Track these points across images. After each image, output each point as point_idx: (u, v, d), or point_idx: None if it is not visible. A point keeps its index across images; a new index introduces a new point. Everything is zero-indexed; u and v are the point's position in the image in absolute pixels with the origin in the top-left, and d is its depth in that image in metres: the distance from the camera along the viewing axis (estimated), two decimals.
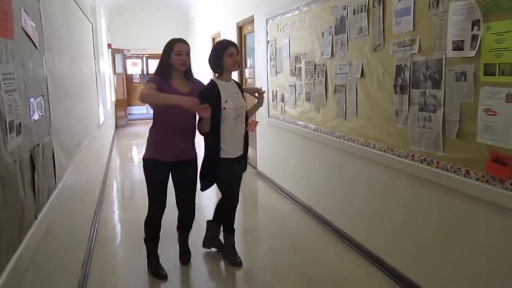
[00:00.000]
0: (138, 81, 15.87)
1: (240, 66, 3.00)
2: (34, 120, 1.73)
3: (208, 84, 2.99)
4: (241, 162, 3.12)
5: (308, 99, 3.98)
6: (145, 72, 15.94)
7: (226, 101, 2.92)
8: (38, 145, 1.75)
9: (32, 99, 1.70)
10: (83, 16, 4.10)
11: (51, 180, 1.99)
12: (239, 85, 3.19)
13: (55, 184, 2.09)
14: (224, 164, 2.97)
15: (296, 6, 4.09)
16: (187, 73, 2.90)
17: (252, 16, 5.64)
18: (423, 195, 2.54)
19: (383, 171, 2.91)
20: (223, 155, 2.96)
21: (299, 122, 4.25)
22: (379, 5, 2.79)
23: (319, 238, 3.61)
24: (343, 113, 3.36)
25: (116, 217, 4.42)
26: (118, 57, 11.35)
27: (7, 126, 1.33)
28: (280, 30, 4.59)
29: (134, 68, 15.87)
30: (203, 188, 3.06)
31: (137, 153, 8.23)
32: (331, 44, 3.47)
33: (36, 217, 1.66)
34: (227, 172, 3.01)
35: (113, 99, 10.19)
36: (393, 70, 2.68)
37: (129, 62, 15.32)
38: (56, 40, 2.45)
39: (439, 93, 2.31)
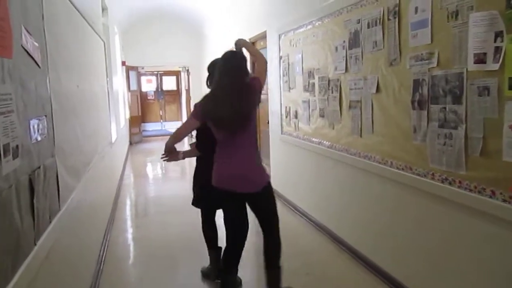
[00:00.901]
0: (153, 98, 15.98)
1: None
2: (35, 141, 1.67)
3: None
4: None
5: (322, 115, 3.88)
6: (159, 89, 16.05)
7: None
8: (39, 167, 1.69)
9: (33, 120, 1.64)
10: (95, 35, 4.09)
11: (54, 202, 1.92)
12: None
13: (59, 206, 2.01)
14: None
15: (309, 21, 4.03)
16: None
17: (265, 32, 5.60)
18: (443, 215, 2.40)
19: (400, 190, 2.78)
20: None
21: (313, 139, 4.14)
22: (394, 18, 2.70)
23: (332, 257, 3.47)
24: (358, 129, 3.24)
25: (128, 236, 4.34)
26: (132, 74, 11.44)
27: (2, 150, 1.26)
28: (293, 45, 4.53)
29: (149, 85, 15.99)
30: None
31: (152, 169, 8.21)
32: (345, 58, 3.37)
33: (35, 244, 1.58)
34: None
35: (127, 116, 10.23)
36: (410, 84, 2.56)
37: (143, 79, 15.45)
38: (63, 58, 2.41)
39: (460, 109, 2.18)
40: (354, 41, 3.22)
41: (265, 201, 2.71)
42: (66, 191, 2.22)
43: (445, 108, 2.30)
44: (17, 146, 1.40)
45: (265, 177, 2.69)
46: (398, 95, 2.70)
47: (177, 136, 2.67)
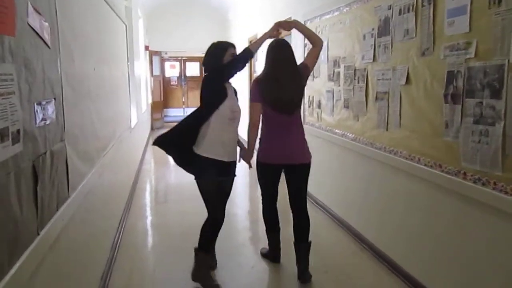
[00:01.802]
0: (176, 83, 15.96)
1: None
2: (42, 125, 1.58)
3: None
4: (229, 170, 2.89)
5: (346, 106, 3.71)
6: (182, 75, 16.00)
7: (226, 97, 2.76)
8: (45, 153, 1.60)
9: (38, 103, 1.55)
10: (115, 17, 4.01)
11: (62, 190, 1.85)
12: (236, 93, 2.98)
13: (67, 193, 1.94)
14: (207, 164, 2.75)
15: (336, 7, 3.84)
16: None
17: (290, 18, 5.40)
18: (473, 218, 2.24)
19: (428, 189, 2.61)
20: (200, 152, 2.75)
21: (336, 130, 3.98)
22: (429, 4, 2.51)
23: (353, 256, 3.33)
24: (384, 122, 3.07)
25: (146, 222, 4.29)
26: (156, 59, 11.39)
27: None
28: (319, 32, 4.34)
29: (172, 71, 15.95)
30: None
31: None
32: (373, 47, 3.19)
33: (38, 233, 1.51)
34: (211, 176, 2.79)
35: (149, 101, 10.20)
36: (444, 76, 2.38)
37: (167, 64, 15.41)
38: (78, 40, 2.32)
39: (499, 104, 2.00)
40: (383, 28, 3.04)
41: (303, 177, 2.96)
42: (77, 177, 2.15)
43: (481, 102, 2.12)
44: (17, 130, 1.31)
45: (310, 155, 2.98)
46: (430, 87, 2.52)
47: (255, 124, 2.89)
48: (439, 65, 2.43)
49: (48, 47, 1.69)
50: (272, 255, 3.21)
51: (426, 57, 2.55)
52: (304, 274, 2.91)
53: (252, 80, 2.82)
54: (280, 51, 2.93)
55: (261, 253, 3.35)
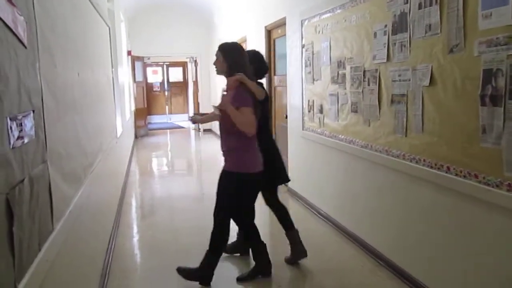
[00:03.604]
0: (159, 89, 15.53)
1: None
2: (18, 146, 1.24)
3: None
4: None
5: (355, 111, 3.43)
6: (165, 81, 15.59)
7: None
8: (22, 180, 1.26)
9: (13, 118, 1.20)
10: (99, 18, 3.65)
11: (45, 223, 1.50)
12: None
13: (52, 226, 1.59)
14: None
15: (340, 4, 3.56)
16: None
17: (284, 18, 5.13)
18: None
19: (461, 201, 2.33)
20: None
21: (342, 137, 3.69)
22: None
23: (371, 274, 3.03)
24: (402, 127, 2.79)
25: (136, 242, 3.90)
26: (138, 65, 10.97)
27: None
28: (319, 32, 4.06)
29: (155, 77, 15.53)
30: None
31: (158, 165, 7.79)
32: (386, 45, 2.91)
33: (15, 287, 1.16)
34: None
35: (133, 108, 9.79)
36: (479, 75, 2.11)
37: (149, 70, 14.98)
38: (60, 40, 1.97)
39: None
40: (399, 25, 2.76)
41: None
42: (63, 204, 1.79)
43: None
44: None
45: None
46: (461, 88, 2.25)
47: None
48: (472, 63, 2.16)
49: (24, 46, 1.35)
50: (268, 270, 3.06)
51: (455, 54, 2.28)
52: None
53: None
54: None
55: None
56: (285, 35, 5.15)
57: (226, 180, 2.87)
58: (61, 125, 1.89)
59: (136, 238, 4.01)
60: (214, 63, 2.86)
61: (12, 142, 1.18)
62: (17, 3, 1.32)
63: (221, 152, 2.88)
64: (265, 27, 5.97)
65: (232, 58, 2.79)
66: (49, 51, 1.71)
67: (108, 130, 3.88)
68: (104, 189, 3.50)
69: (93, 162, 2.76)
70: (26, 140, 1.32)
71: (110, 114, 4.10)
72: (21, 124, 1.26)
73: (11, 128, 1.18)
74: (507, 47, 1.95)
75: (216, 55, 2.84)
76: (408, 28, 2.67)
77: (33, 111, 1.41)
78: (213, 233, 2.89)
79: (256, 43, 6.37)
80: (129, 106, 8.21)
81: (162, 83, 15.62)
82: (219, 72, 2.87)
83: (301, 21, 4.47)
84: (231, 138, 2.81)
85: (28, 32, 1.40)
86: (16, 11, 1.27)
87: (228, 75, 2.81)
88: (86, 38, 2.86)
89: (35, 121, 1.42)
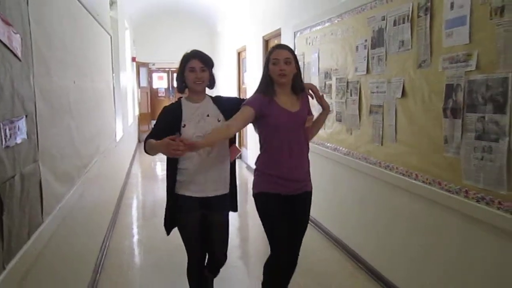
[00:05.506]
0: (164, 95, 15.77)
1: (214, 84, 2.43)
2: (10, 146, 1.43)
3: (175, 102, 2.41)
4: (218, 206, 2.41)
5: (339, 120, 3.60)
6: (170, 86, 15.83)
7: (184, 126, 2.27)
8: (13, 177, 1.44)
9: (4, 121, 1.39)
10: (99, 28, 3.86)
11: (35, 215, 1.68)
12: (223, 103, 2.43)
13: (41, 219, 1.77)
14: (184, 203, 2.36)
15: (328, 18, 3.75)
16: (295, 86, 2.41)
17: (279, 30, 5.33)
18: (477, 239, 2.12)
19: (428, 207, 2.49)
20: (181, 191, 2.35)
21: (328, 144, 3.86)
22: (426, 14, 2.41)
23: (350, 278, 3.18)
24: (379, 137, 2.96)
25: (132, 241, 4.09)
26: (143, 71, 11.23)
27: None
28: (309, 43, 4.25)
29: (160, 82, 15.77)
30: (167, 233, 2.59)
31: (160, 169, 7.97)
32: (366, 59, 3.09)
33: (4, 267, 1.34)
34: (187, 216, 2.39)
35: (137, 113, 10.02)
36: (443, 89, 2.28)
37: (155, 76, 15.24)
38: (56, 51, 2.17)
39: (504, 119, 1.90)
40: (377, 40, 2.94)
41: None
42: (53, 200, 1.98)
43: (483, 117, 2.01)
44: None
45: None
46: (428, 101, 2.42)
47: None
48: (437, 78, 2.33)
49: (19, 59, 1.54)
50: None
51: (424, 69, 2.45)
52: None
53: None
54: None
55: None
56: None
57: (310, 202, 2.59)
58: (55, 128, 2.08)
59: (131, 238, 4.19)
60: (284, 68, 2.32)
61: (4, 142, 1.37)
62: (14, 22, 1.51)
63: (292, 175, 2.44)
64: (263, 37, 6.16)
65: (298, 64, 2.45)
66: (44, 62, 1.91)
67: (107, 134, 4.08)
68: (100, 190, 3.69)
69: (87, 164, 2.94)
70: (18, 141, 1.51)
71: (109, 118, 4.30)
72: (13, 127, 1.45)
73: (4, 130, 1.37)
74: (465, 64, 2.12)
75: (289, 58, 2.34)
76: (385, 43, 2.85)
77: (26, 116, 1.60)
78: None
79: (255, 52, 6.58)
80: (132, 110, 8.44)
81: (167, 89, 15.85)
82: (286, 77, 2.34)
83: (294, 32, 4.66)
84: (305, 154, 2.55)
85: (23, 47, 1.59)
86: (12, 29, 1.47)
87: (293, 81, 2.39)
88: (85, 48, 3.06)
89: (28, 125, 1.62)
